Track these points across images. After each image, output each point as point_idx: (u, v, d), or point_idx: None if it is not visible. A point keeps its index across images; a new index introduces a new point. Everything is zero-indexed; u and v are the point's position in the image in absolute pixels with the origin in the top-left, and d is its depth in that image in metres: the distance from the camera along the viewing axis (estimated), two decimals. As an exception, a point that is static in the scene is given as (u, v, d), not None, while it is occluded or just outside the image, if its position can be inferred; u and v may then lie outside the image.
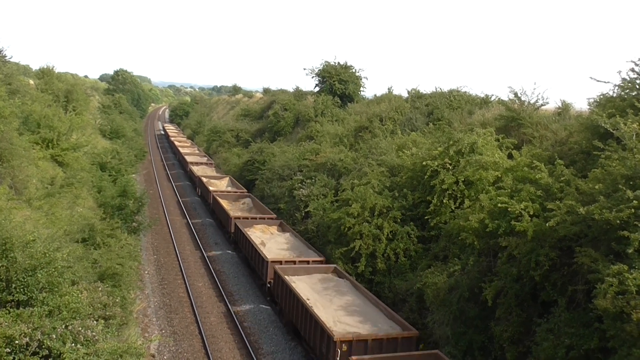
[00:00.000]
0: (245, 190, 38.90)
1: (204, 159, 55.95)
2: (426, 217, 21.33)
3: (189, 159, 55.61)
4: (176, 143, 70.96)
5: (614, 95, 18.31)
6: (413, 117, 33.05)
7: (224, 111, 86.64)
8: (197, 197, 45.31)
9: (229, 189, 41.29)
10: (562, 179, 15.49)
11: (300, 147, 38.52)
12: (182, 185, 51.00)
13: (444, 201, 20.56)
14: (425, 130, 29.21)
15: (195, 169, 49.23)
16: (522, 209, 14.97)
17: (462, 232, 16.94)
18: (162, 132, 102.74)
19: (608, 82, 18.52)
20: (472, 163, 20.31)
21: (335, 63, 48.34)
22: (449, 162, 21.23)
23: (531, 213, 14.95)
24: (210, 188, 39.17)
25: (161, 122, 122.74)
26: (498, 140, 21.74)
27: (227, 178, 44.09)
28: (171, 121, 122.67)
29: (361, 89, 49.13)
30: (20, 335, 10.20)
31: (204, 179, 42.74)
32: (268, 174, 37.27)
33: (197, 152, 62.89)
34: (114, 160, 34.85)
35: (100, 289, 14.71)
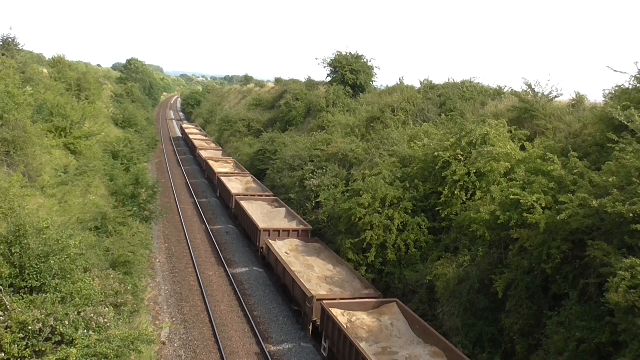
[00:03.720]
0: (382, 295, 19.88)
1: (282, 213, 29.83)
2: (437, 208, 21.28)
3: (252, 213, 29.17)
4: (211, 163, 44.87)
5: (630, 87, 18.10)
6: (425, 107, 32.88)
7: (235, 100, 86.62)
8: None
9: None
10: (575, 171, 15.35)
11: (311, 137, 38.49)
12: (196, 183, 46.42)
13: (455, 192, 20.48)
14: (437, 121, 29.05)
15: (277, 246, 24.44)
16: (534, 200, 14.87)
17: (473, 224, 16.89)
18: (180, 135, 78.57)
19: (624, 73, 18.32)
20: (483, 154, 20.20)
21: (346, 53, 48.17)
22: (461, 153, 21.12)
23: (543, 205, 14.85)
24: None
25: (173, 111, 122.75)
26: (510, 131, 21.59)
27: (362, 287, 20.54)
28: (183, 110, 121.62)
29: (373, 78, 48.96)
30: (33, 320, 10.32)
31: (303, 283, 20.08)
32: (279, 164, 37.31)
33: (255, 186, 37.58)
34: (126, 148, 35.05)
35: (112, 276, 14.85)
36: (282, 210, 30.26)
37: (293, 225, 27.27)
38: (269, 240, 24.89)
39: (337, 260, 22.92)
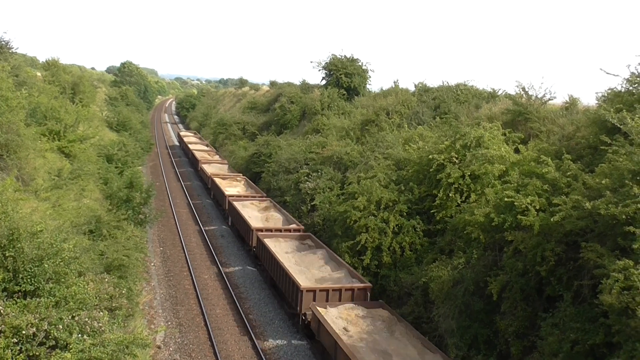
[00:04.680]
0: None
1: (321, 257, 23.47)
2: (432, 211, 21.31)
3: (284, 259, 22.61)
4: (219, 182, 38.24)
5: (622, 89, 18.19)
6: (420, 110, 32.97)
7: (230, 104, 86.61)
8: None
9: None
10: (568, 173, 15.42)
11: (306, 140, 38.55)
12: (191, 185, 44.27)
13: (450, 195, 20.53)
14: (432, 124, 29.13)
15: None
16: (528, 203, 14.93)
17: (468, 226, 16.93)
18: (177, 143, 72.66)
19: (617, 76, 18.39)
20: (478, 157, 20.27)
21: (341, 56, 48.30)
22: (456, 156, 21.18)
23: (537, 207, 14.90)
24: None
25: (168, 115, 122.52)
26: (505, 134, 21.66)
27: None
28: (178, 114, 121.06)
29: (367, 82, 49.09)
30: (27, 325, 10.26)
31: None
32: (274, 167, 37.32)
33: (276, 214, 30.31)
34: (121, 152, 34.98)
35: (106, 280, 14.81)
36: (322, 253, 23.57)
37: (344, 281, 20.39)
38: (318, 309, 18.07)
39: (421, 342, 16.53)
